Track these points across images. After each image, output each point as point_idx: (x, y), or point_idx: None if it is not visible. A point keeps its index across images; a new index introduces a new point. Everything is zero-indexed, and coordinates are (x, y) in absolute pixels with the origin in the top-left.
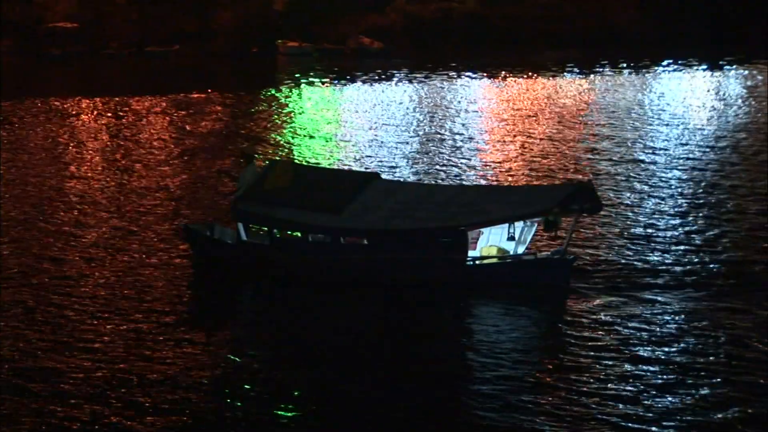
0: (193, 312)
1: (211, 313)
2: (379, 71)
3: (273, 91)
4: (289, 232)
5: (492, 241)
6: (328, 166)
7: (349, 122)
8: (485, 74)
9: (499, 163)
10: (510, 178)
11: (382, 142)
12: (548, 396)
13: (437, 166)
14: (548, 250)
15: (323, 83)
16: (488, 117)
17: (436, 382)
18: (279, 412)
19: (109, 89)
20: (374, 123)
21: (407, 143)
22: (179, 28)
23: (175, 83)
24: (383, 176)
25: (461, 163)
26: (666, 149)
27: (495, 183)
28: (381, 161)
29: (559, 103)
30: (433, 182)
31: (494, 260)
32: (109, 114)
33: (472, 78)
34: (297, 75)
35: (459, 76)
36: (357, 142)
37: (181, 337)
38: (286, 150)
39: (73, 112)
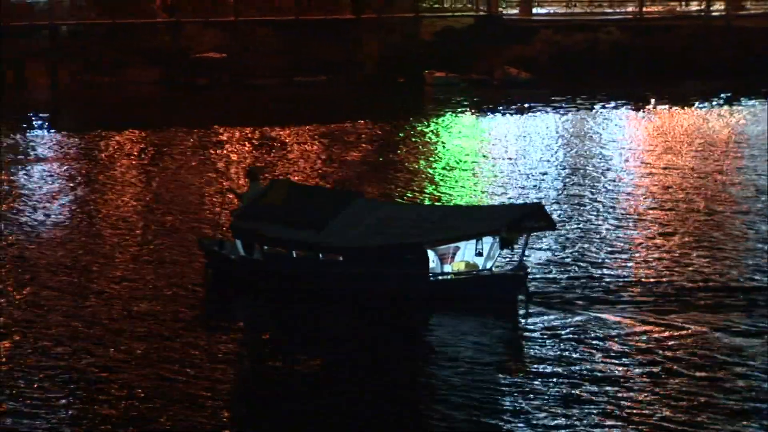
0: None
1: (208, 322)
2: (525, 101)
3: (418, 122)
4: (276, 248)
5: (467, 257)
6: (318, 186)
7: (491, 153)
8: (630, 104)
9: (631, 194)
10: (640, 209)
11: (522, 172)
12: (512, 401)
13: (571, 199)
14: (505, 265)
15: (469, 113)
16: (629, 148)
17: (412, 390)
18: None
19: (255, 119)
20: (517, 153)
21: (546, 174)
22: (327, 57)
23: (321, 113)
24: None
25: (594, 192)
26: None
27: (620, 214)
28: (517, 191)
29: (701, 135)
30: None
31: (452, 276)
32: (254, 144)
33: (616, 108)
34: (443, 105)
35: (604, 107)
36: (497, 173)
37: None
38: (426, 180)
39: (218, 142)
